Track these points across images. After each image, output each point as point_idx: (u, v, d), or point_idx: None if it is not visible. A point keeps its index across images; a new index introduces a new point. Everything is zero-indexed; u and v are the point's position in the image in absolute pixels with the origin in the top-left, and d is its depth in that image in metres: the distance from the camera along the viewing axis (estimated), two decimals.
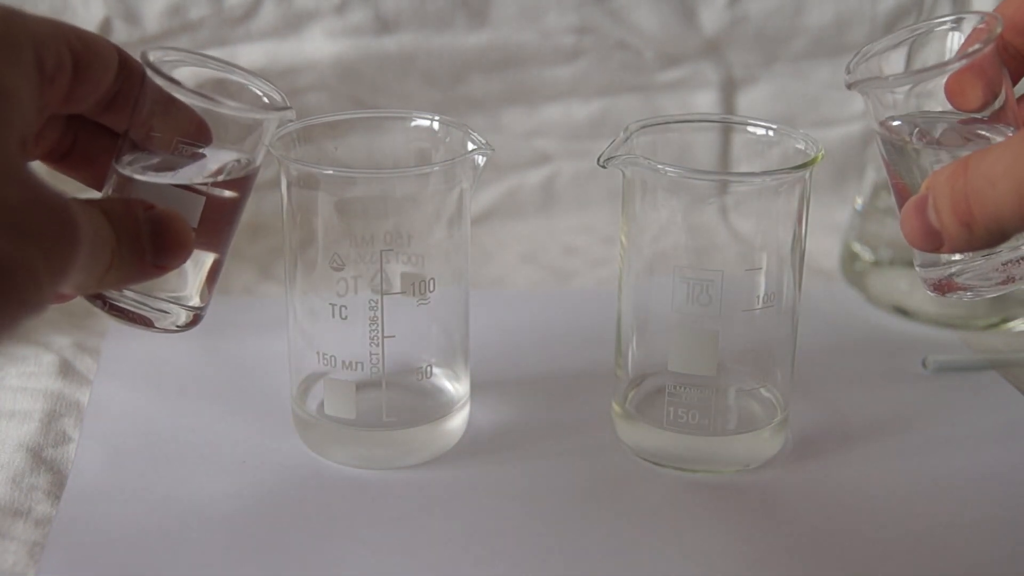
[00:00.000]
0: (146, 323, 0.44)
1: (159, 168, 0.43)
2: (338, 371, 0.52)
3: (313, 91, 0.78)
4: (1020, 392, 0.62)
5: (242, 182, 0.45)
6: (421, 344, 0.54)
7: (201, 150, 0.44)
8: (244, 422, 0.57)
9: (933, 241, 0.40)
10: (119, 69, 0.43)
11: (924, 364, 0.64)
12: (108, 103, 0.43)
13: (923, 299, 0.69)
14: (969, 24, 0.45)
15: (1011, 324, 0.69)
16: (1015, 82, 0.45)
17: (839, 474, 0.54)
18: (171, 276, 0.43)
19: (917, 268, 0.46)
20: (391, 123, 0.56)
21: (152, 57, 0.42)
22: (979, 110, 0.44)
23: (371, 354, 0.52)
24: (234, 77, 0.45)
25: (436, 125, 0.54)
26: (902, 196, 0.44)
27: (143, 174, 0.43)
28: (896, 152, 0.45)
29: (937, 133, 0.45)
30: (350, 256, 0.51)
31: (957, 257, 0.44)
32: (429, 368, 0.55)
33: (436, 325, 0.54)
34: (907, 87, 0.44)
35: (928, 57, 0.46)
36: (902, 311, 0.70)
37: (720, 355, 0.52)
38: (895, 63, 0.45)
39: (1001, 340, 0.68)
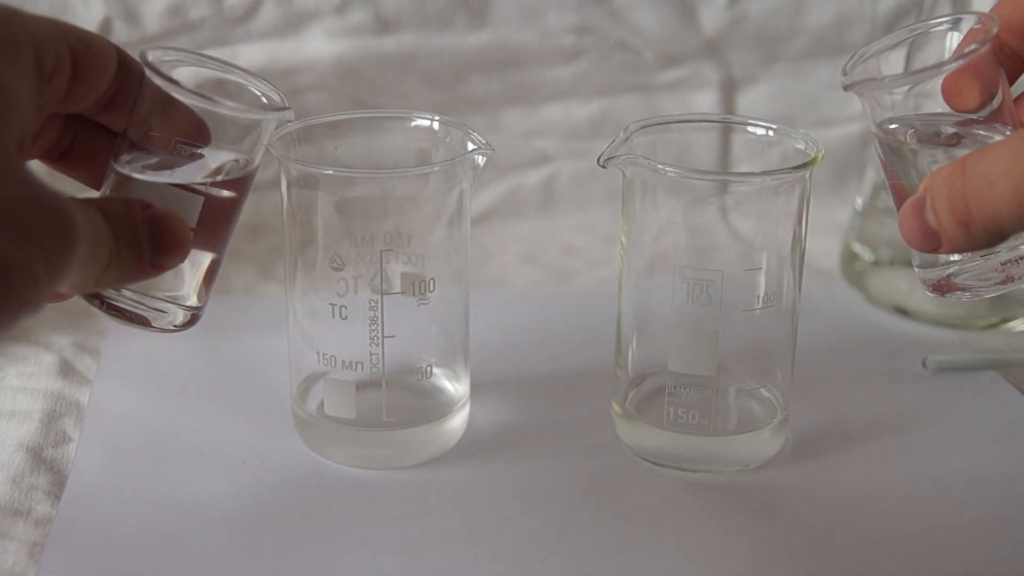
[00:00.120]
0: (143, 322, 0.44)
1: (157, 168, 0.43)
2: (338, 371, 0.52)
3: (313, 91, 0.78)
4: (1020, 392, 0.62)
5: (240, 182, 0.45)
6: (421, 344, 0.54)
7: (200, 150, 0.44)
8: (244, 422, 0.57)
9: (931, 242, 0.40)
10: (118, 69, 0.43)
11: (924, 364, 0.64)
12: (107, 102, 0.43)
13: (923, 299, 0.69)
14: (966, 25, 0.45)
15: (1011, 324, 0.69)
16: (1012, 82, 0.45)
17: (839, 474, 0.54)
18: (169, 276, 0.43)
19: (916, 269, 0.46)
20: (391, 123, 0.56)
21: (151, 57, 0.42)
22: (976, 110, 0.44)
23: (371, 354, 0.52)
24: (233, 77, 0.45)
25: (436, 125, 0.54)
26: (900, 197, 0.44)
27: (141, 173, 0.43)
28: (894, 153, 0.45)
29: (935, 134, 0.45)
30: (350, 256, 0.51)
31: (956, 257, 0.44)
32: (429, 368, 0.55)
33: (436, 325, 0.54)
34: (904, 88, 0.44)
35: (925, 58, 0.46)
36: (902, 311, 0.70)
37: (720, 355, 0.52)
38: (892, 64, 0.45)
39: (1001, 340, 0.68)
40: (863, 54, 0.45)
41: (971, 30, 0.44)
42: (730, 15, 0.81)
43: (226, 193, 0.44)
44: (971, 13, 0.44)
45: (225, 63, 0.45)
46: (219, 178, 0.44)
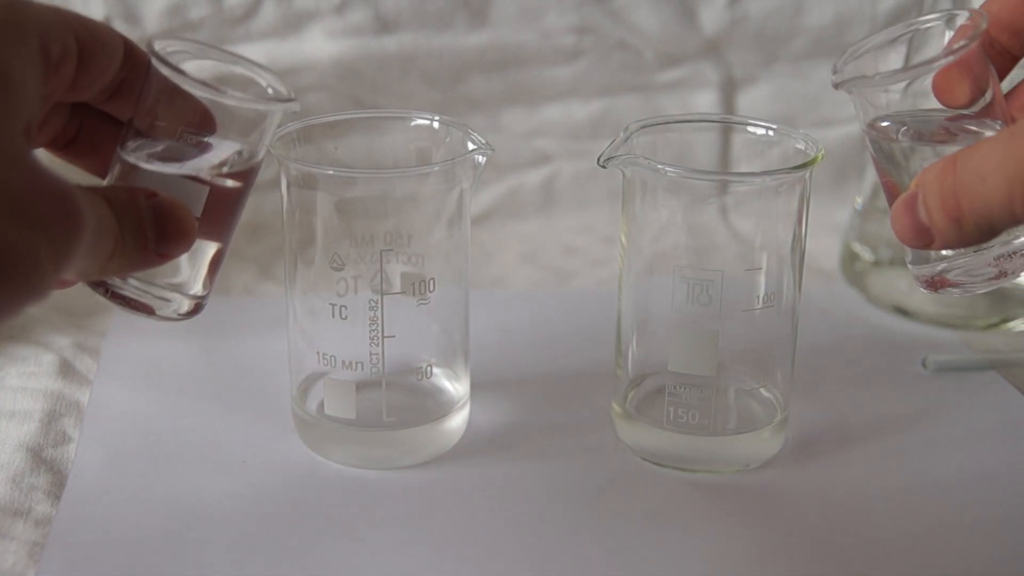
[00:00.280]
0: (148, 311, 0.44)
1: (163, 157, 0.43)
2: (338, 371, 0.52)
3: (313, 91, 0.78)
4: (1020, 392, 0.62)
5: (246, 173, 0.45)
6: (421, 344, 0.54)
7: (205, 140, 0.44)
8: (244, 422, 0.57)
9: (924, 238, 0.40)
10: (124, 58, 0.43)
11: (924, 364, 0.64)
12: (113, 91, 0.43)
13: (923, 299, 0.69)
14: (956, 22, 0.45)
15: (1011, 324, 0.69)
16: (1002, 78, 0.46)
17: (839, 474, 0.54)
18: (174, 264, 0.43)
19: (909, 265, 0.46)
20: (391, 123, 0.56)
21: (158, 46, 0.42)
22: (967, 107, 0.44)
23: (371, 354, 0.52)
24: (240, 68, 0.45)
25: (436, 125, 0.54)
26: (892, 194, 0.45)
27: (147, 163, 0.43)
28: (885, 150, 0.45)
29: (926, 130, 0.45)
30: (350, 256, 0.51)
31: (948, 253, 0.44)
32: (429, 368, 0.55)
33: (436, 325, 0.54)
34: (894, 85, 0.44)
35: (916, 56, 0.46)
36: (902, 311, 0.70)
37: (720, 355, 0.52)
38: (882, 62, 0.46)
39: (1001, 340, 0.68)
40: (854, 52, 0.45)
41: (960, 27, 0.44)
42: (730, 15, 0.81)
43: (231, 183, 0.44)
44: (960, 10, 0.44)
45: (232, 54, 0.45)
46: (224, 168, 0.44)
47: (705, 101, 0.84)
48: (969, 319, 0.69)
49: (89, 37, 0.41)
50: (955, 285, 0.45)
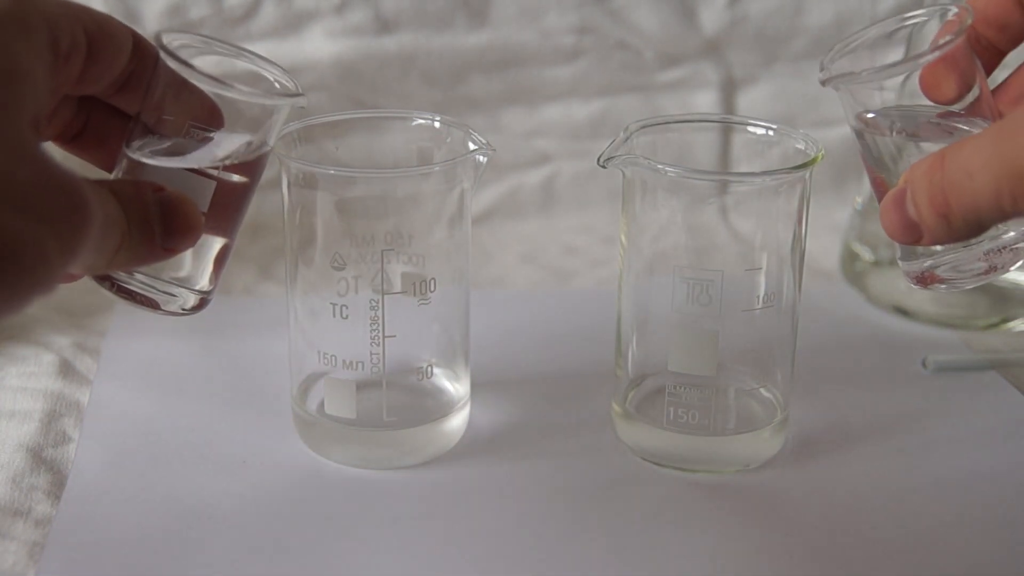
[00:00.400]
0: (153, 305, 0.44)
1: (170, 151, 0.43)
2: (339, 371, 0.52)
3: (313, 91, 0.78)
4: (1020, 392, 0.62)
5: (252, 167, 0.45)
6: (422, 344, 0.54)
7: (212, 134, 0.44)
8: (244, 422, 0.57)
9: (913, 234, 0.40)
10: (133, 51, 0.43)
11: (924, 364, 0.64)
12: (121, 85, 0.43)
13: (923, 299, 0.69)
14: (942, 17, 0.45)
15: (1011, 324, 0.69)
16: (988, 73, 0.46)
17: (839, 474, 0.54)
18: (180, 259, 0.43)
19: (899, 261, 0.46)
20: (391, 123, 0.56)
21: (166, 40, 0.42)
22: (954, 102, 0.44)
23: (372, 354, 0.52)
24: (248, 63, 0.45)
25: (437, 125, 0.54)
26: (881, 191, 0.45)
27: (153, 157, 0.43)
28: (874, 147, 0.45)
29: (914, 126, 0.45)
30: (351, 256, 0.51)
31: (938, 249, 0.44)
32: (429, 368, 0.55)
33: (437, 325, 0.54)
34: (881, 81, 0.44)
35: (904, 51, 0.46)
36: (902, 311, 0.70)
37: (720, 355, 0.52)
38: (870, 58, 0.45)
39: (1001, 340, 0.68)
40: (841, 49, 0.45)
41: (946, 22, 0.44)
42: (730, 15, 0.81)
43: (237, 178, 0.44)
44: (946, 6, 0.44)
45: (240, 48, 0.45)
46: (231, 163, 0.44)
47: (705, 101, 0.84)
48: (969, 319, 0.69)
49: (98, 30, 0.41)
50: (945, 281, 0.45)
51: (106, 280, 0.43)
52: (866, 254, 0.73)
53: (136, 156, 0.43)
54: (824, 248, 0.78)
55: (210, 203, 0.43)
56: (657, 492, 0.53)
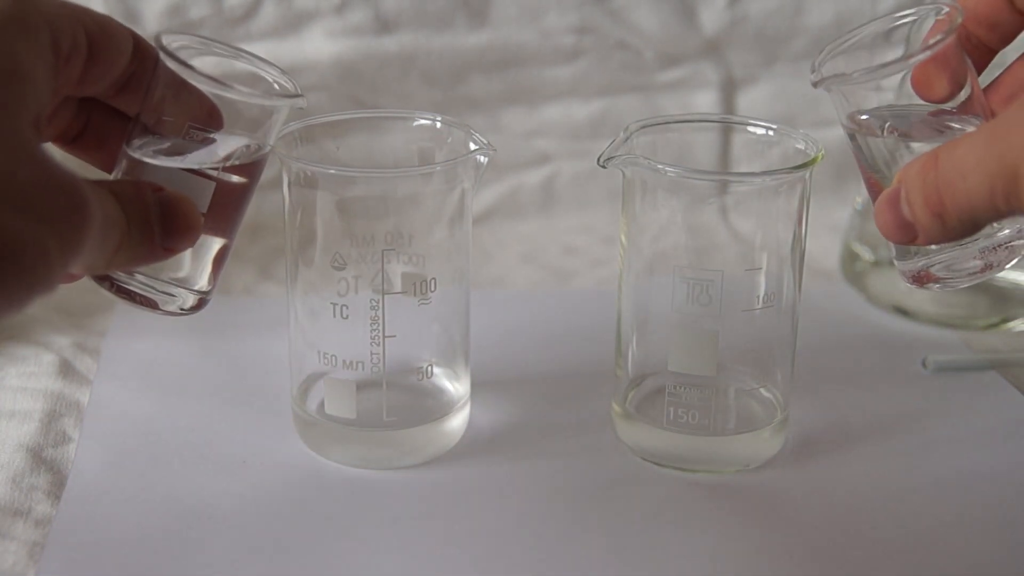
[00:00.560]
0: (152, 305, 0.44)
1: (170, 152, 0.43)
2: (339, 371, 0.52)
3: (313, 91, 0.78)
4: (1020, 392, 0.62)
5: (252, 168, 0.45)
6: (422, 344, 0.54)
7: (212, 135, 0.44)
8: (244, 422, 0.57)
9: (907, 233, 0.40)
10: (133, 52, 0.43)
11: (924, 364, 0.64)
12: (121, 86, 0.44)
13: (923, 299, 0.69)
14: (933, 16, 0.45)
15: (1011, 324, 0.69)
16: (979, 72, 0.46)
17: (839, 474, 0.54)
18: (179, 259, 0.43)
19: (894, 261, 0.46)
20: (392, 123, 0.56)
21: (165, 41, 0.42)
22: (946, 101, 0.45)
23: (372, 354, 0.52)
24: (247, 64, 0.45)
25: (438, 125, 0.54)
26: (875, 190, 0.45)
27: (153, 158, 0.43)
28: (867, 147, 0.45)
29: (907, 126, 0.45)
30: (351, 256, 0.51)
31: (933, 248, 0.44)
32: (429, 368, 0.55)
33: (437, 325, 0.54)
34: (872, 81, 0.44)
35: (896, 50, 0.46)
36: (902, 311, 0.70)
37: (720, 355, 0.52)
38: (860, 58, 0.45)
39: (1001, 340, 0.68)
40: (832, 50, 0.45)
41: (937, 21, 0.44)
42: (730, 15, 0.81)
43: (236, 178, 0.44)
44: (937, 5, 0.44)
45: (239, 50, 0.45)
46: (230, 164, 0.44)
47: (705, 101, 0.84)
48: (969, 319, 0.69)
49: (98, 31, 0.41)
50: (942, 279, 0.45)
51: (105, 280, 0.43)
52: (866, 254, 0.73)
53: (136, 156, 0.43)
54: (824, 248, 0.78)
55: (209, 203, 0.43)
56: (657, 492, 0.53)
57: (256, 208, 0.76)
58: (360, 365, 0.52)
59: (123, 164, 0.43)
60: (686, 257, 0.52)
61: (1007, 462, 0.56)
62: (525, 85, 0.82)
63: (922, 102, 0.45)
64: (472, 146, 0.52)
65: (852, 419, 0.59)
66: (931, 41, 0.42)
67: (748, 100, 0.84)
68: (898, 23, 0.46)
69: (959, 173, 0.37)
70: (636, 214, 0.53)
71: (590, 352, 0.62)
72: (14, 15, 0.35)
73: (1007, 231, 0.43)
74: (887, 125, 0.45)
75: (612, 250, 0.78)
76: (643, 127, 0.53)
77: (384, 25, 0.78)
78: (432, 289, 0.52)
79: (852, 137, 0.46)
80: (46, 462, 0.53)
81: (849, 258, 0.74)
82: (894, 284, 0.71)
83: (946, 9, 0.44)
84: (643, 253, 0.53)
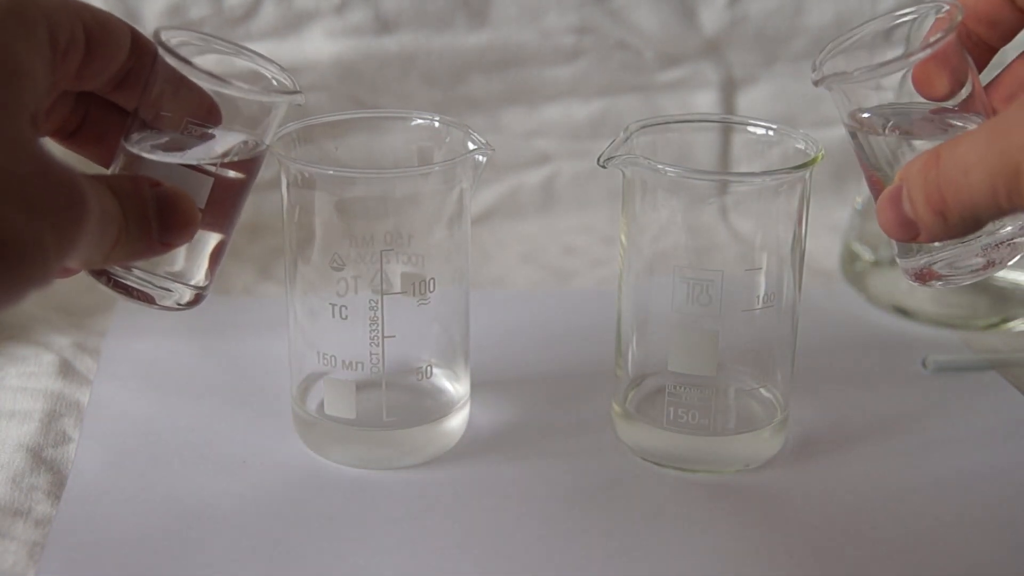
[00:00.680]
0: (149, 300, 0.44)
1: (168, 147, 0.43)
2: (338, 371, 0.52)
3: (313, 91, 0.78)
4: (1020, 392, 0.62)
5: (250, 164, 0.45)
6: (421, 344, 0.54)
7: (210, 131, 0.44)
8: (244, 422, 0.57)
9: (909, 231, 0.40)
10: (131, 47, 0.43)
11: (924, 364, 0.64)
12: (119, 81, 0.43)
13: (923, 299, 0.69)
14: (933, 14, 0.45)
15: (1011, 324, 0.69)
16: (980, 69, 0.46)
17: (839, 474, 0.54)
18: (176, 254, 0.43)
19: (897, 258, 0.46)
20: (391, 123, 0.56)
21: (164, 37, 0.42)
22: (947, 99, 0.45)
23: (371, 354, 0.52)
24: (246, 60, 0.45)
25: (437, 124, 0.54)
26: (876, 188, 0.45)
27: (151, 153, 0.43)
28: (868, 145, 0.45)
29: (908, 124, 0.45)
30: (350, 256, 0.51)
31: (936, 245, 0.44)
32: (429, 368, 0.55)
33: (436, 325, 0.54)
34: (873, 80, 0.44)
35: (898, 48, 0.46)
36: (902, 311, 0.70)
37: (720, 355, 0.52)
38: (860, 57, 0.45)
39: (1001, 340, 0.68)
40: (832, 49, 0.45)
41: (937, 19, 0.44)
42: (730, 15, 0.81)
43: (234, 175, 0.44)
44: (937, 3, 0.44)
45: (238, 46, 0.45)
46: (228, 159, 0.44)
47: (705, 101, 0.84)
48: (969, 319, 0.69)
49: (96, 26, 0.41)
50: (945, 276, 0.45)
51: (102, 275, 0.44)
52: (866, 254, 0.73)
53: (134, 151, 0.43)
54: (824, 248, 0.78)
55: (207, 199, 0.43)
56: (657, 492, 0.53)
57: (255, 208, 0.77)
58: (359, 365, 0.52)
59: (121, 159, 0.43)
60: (686, 257, 0.52)
61: (1007, 462, 0.56)
62: (525, 85, 0.82)
63: (923, 100, 0.45)
64: (470, 146, 0.52)
65: (852, 419, 0.59)
66: (931, 39, 0.42)
67: (748, 100, 0.84)
68: (898, 22, 0.46)
69: (961, 170, 0.37)
70: (636, 214, 0.53)
71: (590, 352, 0.62)
72: (12, 9, 0.35)
73: (1009, 228, 0.43)
74: (889, 123, 0.45)
75: (612, 250, 0.78)
76: (643, 127, 0.53)
77: (384, 25, 0.78)
78: (431, 289, 0.52)
79: (853, 135, 0.46)
80: (46, 462, 0.53)
81: (849, 258, 0.74)
82: (894, 284, 0.71)
83: (946, 7, 0.44)
84: (643, 253, 0.53)
